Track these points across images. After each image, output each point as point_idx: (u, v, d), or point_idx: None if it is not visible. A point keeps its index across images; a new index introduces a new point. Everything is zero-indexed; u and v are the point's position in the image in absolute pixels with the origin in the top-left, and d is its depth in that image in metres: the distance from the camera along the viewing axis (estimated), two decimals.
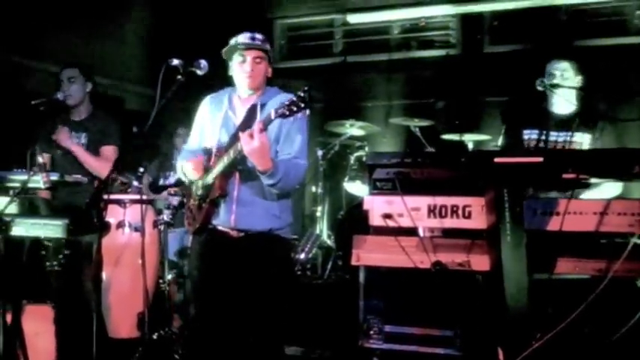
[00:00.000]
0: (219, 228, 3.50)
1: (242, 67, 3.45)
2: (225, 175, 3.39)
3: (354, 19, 7.48)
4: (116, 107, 6.79)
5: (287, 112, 2.98)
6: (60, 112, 4.88)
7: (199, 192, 3.53)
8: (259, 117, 3.30)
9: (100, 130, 4.83)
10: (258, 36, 3.49)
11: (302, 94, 2.96)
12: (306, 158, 3.47)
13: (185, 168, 3.57)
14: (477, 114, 6.53)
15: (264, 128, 3.09)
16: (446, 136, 6.01)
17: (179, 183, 4.66)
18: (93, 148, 4.77)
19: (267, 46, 3.51)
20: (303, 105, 2.96)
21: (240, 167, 3.38)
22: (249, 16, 6.89)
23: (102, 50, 6.80)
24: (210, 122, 3.61)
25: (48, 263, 3.89)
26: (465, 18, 7.12)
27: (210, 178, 3.44)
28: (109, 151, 4.80)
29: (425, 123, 6.12)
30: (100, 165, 4.67)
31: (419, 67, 7.14)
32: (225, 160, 3.34)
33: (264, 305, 3.42)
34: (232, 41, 3.46)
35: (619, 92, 5.93)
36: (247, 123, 3.33)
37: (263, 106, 3.42)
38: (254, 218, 3.43)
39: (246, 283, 3.43)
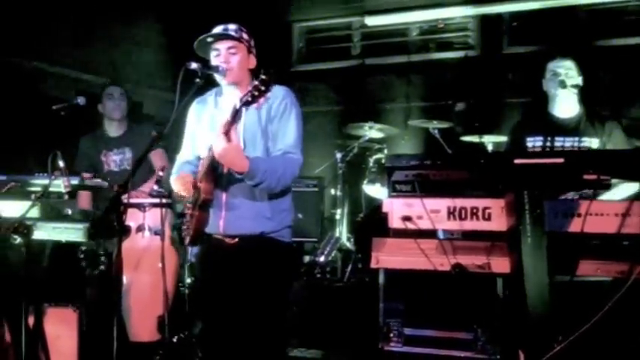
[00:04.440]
0: (214, 236, 3.36)
1: (217, 60, 3.30)
2: (210, 177, 3.22)
3: (372, 21, 7.44)
4: (134, 111, 6.84)
5: (250, 99, 2.86)
6: (96, 130, 5.21)
7: (191, 199, 3.34)
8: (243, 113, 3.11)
9: (143, 142, 4.93)
10: (232, 26, 3.35)
11: (263, 77, 2.82)
12: (300, 151, 3.29)
13: (175, 187, 3.42)
14: (496, 115, 6.48)
15: (230, 127, 2.96)
16: (465, 138, 5.97)
17: None
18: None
19: (244, 36, 3.35)
20: (264, 88, 2.82)
21: (222, 169, 3.24)
22: (267, 19, 6.89)
23: (121, 54, 6.83)
24: (199, 126, 3.47)
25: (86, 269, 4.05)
26: (483, 19, 7.08)
27: (198, 183, 3.27)
28: (158, 155, 5.01)
29: (444, 125, 6.08)
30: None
31: (438, 69, 7.11)
32: (205, 162, 3.19)
33: (259, 312, 3.27)
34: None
35: None
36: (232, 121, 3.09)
37: None
38: (243, 222, 3.26)
39: (242, 292, 3.28)
